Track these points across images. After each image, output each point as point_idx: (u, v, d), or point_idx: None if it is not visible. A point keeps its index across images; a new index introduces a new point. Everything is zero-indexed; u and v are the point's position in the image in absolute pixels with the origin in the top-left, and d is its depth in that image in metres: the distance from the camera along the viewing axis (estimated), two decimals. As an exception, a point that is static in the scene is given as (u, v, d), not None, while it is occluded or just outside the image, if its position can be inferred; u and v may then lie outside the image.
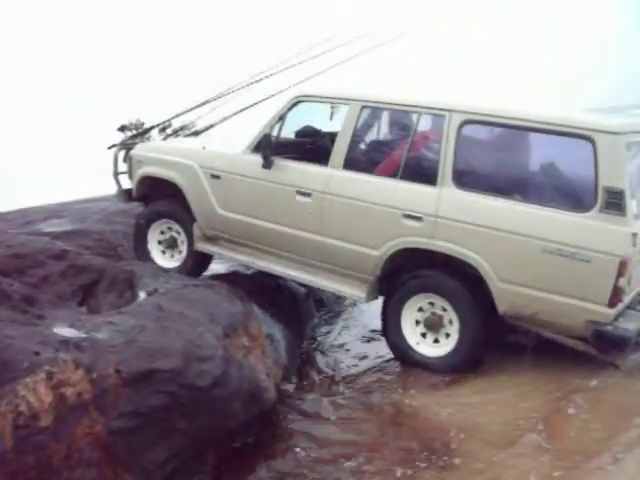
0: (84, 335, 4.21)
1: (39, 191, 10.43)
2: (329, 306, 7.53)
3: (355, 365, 6.05)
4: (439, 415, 4.87)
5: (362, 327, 6.97)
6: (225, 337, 4.72)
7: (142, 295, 5.26)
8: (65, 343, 3.99)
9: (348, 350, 6.42)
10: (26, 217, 8.57)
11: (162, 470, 4.04)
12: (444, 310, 5.53)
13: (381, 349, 6.13)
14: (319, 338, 6.74)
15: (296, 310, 6.85)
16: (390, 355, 5.93)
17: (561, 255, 4.93)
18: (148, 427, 3.98)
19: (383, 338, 5.96)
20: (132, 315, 4.68)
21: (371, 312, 6.85)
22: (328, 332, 6.90)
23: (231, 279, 6.63)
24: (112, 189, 7.53)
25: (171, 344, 4.31)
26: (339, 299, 7.58)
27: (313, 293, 7.39)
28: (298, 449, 4.65)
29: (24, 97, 18.55)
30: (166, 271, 6.64)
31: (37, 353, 3.75)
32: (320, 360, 6.20)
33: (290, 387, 5.58)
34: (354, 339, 6.68)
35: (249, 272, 7.27)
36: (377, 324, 6.15)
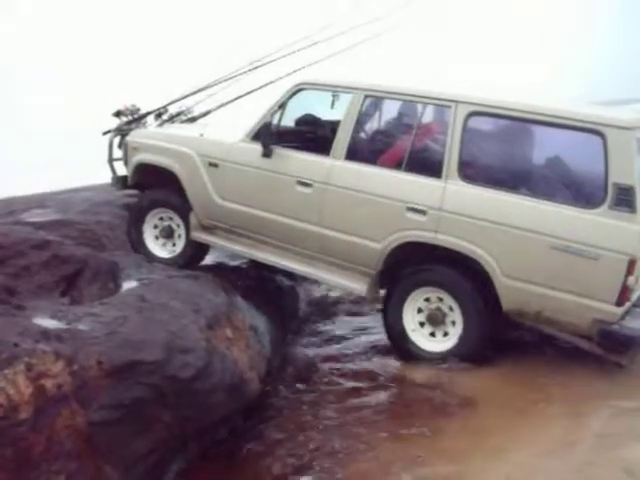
0: (65, 326, 4.16)
1: (25, 180, 10.36)
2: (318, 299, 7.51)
3: (344, 357, 6.00)
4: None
5: (353, 321, 6.93)
6: (208, 329, 4.69)
7: (131, 284, 5.21)
8: (45, 334, 3.93)
9: (335, 342, 6.37)
10: (9, 207, 8.49)
11: (144, 462, 4.01)
12: (442, 302, 5.47)
13: (370, 338, 6.12)
14: (306, 330, 6.71)
15: (281, 302, 6.80)
16: (380, 346, 5.90)
17: (568, 252, 4.87)
18: (130, 419, 3.94)
19: (373, 330, 5.93)
20: (115, 306, 4.64)
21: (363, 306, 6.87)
22: (315, 325, 6.86)
23: (216, 270, 6.57)
24: (99, 177, 7.43)
25: (154, 336, 4.27)
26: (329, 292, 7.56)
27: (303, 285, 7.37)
28: (281, 441, 4.61)
29: (13, 83, 18.41)
30: (160, 261, 6.63)
31: (16, 344, 3.69)
32: (304, 353, 6.16)
33: (274, 379, 5.54)
34: (343, 331, 6.63)
35: (234, 263, 7.23)
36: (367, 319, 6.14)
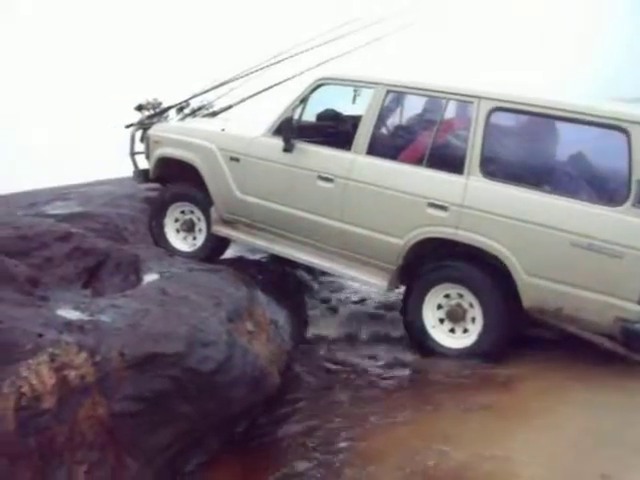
0: (88, 318, 4.20)
1: (48, 173, 10.43)
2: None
3: (362, 353, 5.99)
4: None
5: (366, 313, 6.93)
6: (229, 322, 4.70)
7: (153, 277, 5.23)
8: (69, 325, 3.98)
9: (354, 339, 6.36)
10: (31, 199, 8.55)
11: (164, 454, 4.03)
12: (462, 298, 5.44)
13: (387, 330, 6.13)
14: (324, 324, 6.70)
15: (301, 296, 6.81)
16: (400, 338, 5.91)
17: (591, 250, 4.82)
18: (151, 411, 3.96)
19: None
20: (136, 298, 4.67)
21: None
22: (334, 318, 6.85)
23: (236, 264, 6.59)
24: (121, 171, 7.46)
25: (175, 328, 4.29)
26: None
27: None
28: (300, 435, 4.62)
29: (36, 75, 18.49)
30: (181, 254, 6.66)
31: (40, 335, 3.74)
32: (324, 348, 6.16)
33: (293, 374, 5.54)
34: (359, 326, 6.62)
35: (254, 257, 7.25)
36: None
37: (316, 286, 7.42)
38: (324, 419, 4.76)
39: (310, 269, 7.25)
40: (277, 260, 7.08)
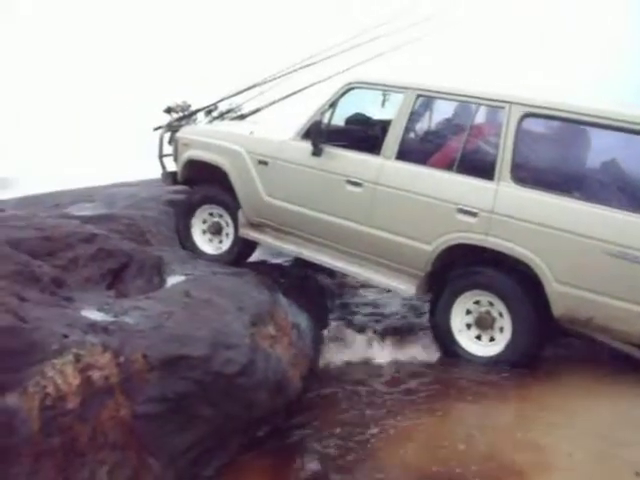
0: (112, 319, 4.22)
1: (73, 174, 10.50)
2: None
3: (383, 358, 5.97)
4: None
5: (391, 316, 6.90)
6: (252, 326, 4.71)
7: (176, 280, 5.25)
8: (93, 326, 4.00)
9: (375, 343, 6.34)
10: (56, 200, 8.61)
11: (186, 456, 4.03)
12: (492, 306, 5.40)
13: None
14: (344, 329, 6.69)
15: (323, 301, 6.81)
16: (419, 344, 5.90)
17: (623, 258, 4.76)
18: (173, 413, 3.98)
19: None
20: (160, 301, 4.69)
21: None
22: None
23: (259, 268, 6.60)
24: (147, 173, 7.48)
25: (199, 331, 4.31)
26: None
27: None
28: (323, 439, 4.61)
29: (63, 76, 18.61)
30: (206, 256, 6.69)
31: (65, 335, 3.76)
32: (344, 354, 6.14)
33: (315, 378, 5.53)
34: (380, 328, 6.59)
35: (277, 261, 7.25)
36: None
37: (337, 291, 7.40)
38: (344, 424, 4.76)
39: (332, 273, 7.23)
40: (299, 264, 7.08)
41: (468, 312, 5.54)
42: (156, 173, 7.42)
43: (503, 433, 4.29)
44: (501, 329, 5.41)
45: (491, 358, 5.38)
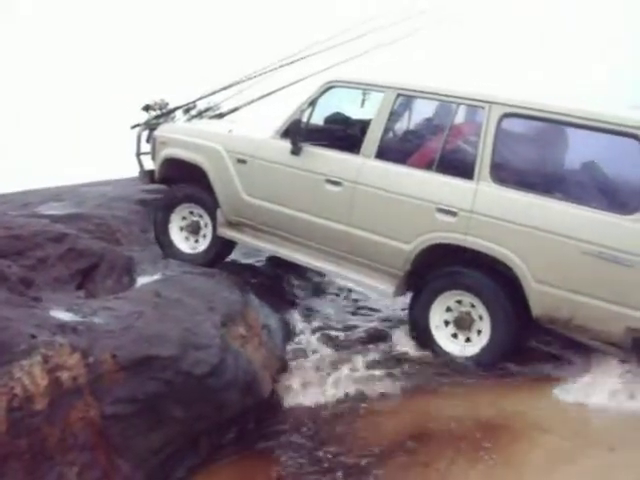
0: (81, 319, 4.19)
1: (41, 173, 10.40)
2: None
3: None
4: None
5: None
6: (223, 326, 4.70)
7: (147, 280, 5.22)
8: (62, 327, 3.97)
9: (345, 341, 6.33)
10: (25, 199, 8.53)
11: (156, 457, 4.02)
12: (474, 308, 5.40)
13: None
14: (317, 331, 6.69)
15: (294, 301, 6.81)
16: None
17: (602, 258, 4.77)
18: (143, 414, 3.96)
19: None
20: (130, 301, 4.66)
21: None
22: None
23: (230, 268, 6.58)
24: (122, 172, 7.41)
25: (168, 331, 4.29)
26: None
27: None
28: (293, 440, 4.61)
29: (38, 75, 18.44)
30: (181, 256, 6.64)
31: (33, 336, 3.73)
32: (316, 353, 6.12)
33: (285, 379, 5.52)
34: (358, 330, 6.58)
35: (249, 261, 7.23)
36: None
37: (309, 291, 7.40)
38: (317, 423, 4.77)
39: (303, 273, 7.24)
40: (270, 264, 7.07)
41: (448, 309, 5.54)
42: (129, 172, 7.35)
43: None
44: (479, 332, 5.42)
45: (466, 358, 5.36)
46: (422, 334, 5.62)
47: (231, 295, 5.20)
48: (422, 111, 6.00)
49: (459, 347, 5.48)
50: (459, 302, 5.49)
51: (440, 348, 5.51)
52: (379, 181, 5.65)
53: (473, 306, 5.42)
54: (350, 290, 7.27)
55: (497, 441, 4.24)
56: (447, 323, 5.55)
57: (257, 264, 7.27)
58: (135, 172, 7.31)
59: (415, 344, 5.69)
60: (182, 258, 6.61)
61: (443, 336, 5.53)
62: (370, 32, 6.91)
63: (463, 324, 5.48)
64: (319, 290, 7.47)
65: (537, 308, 5.11)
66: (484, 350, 5.34)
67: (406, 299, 5.98)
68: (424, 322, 5.58)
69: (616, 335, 4.91)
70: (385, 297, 6.19)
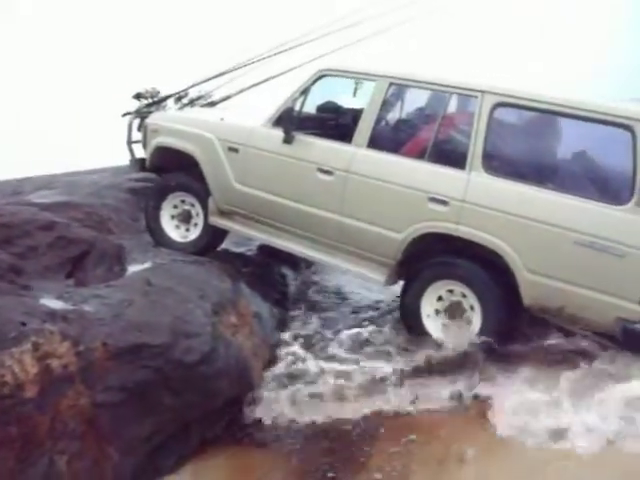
0: (71, 307, 4.18)
1: (31, 161, 10.36)
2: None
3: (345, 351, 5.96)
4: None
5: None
6: (214, 314, 4.70)
7: (137, 268, 5.21)
8: (52, 314, 3.95)
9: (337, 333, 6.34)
10: (15, 187, 8.50)
11: (146, 445, 4.03)
12: (465, 298, 5.38)
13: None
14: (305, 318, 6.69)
15: (285, 290, 6.80)
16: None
17: (593, 248, 4.77)
18: (133, 402, 3.96)
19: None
20: (120, 289, 4.65)
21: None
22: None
23: (221, 257, 6.57)
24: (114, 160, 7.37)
25: (159, 319, 4.29)
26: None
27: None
28: (282, 430, 4.63)
29: (29, 63, 18.33)
30: (171, 244, 6.60)
31: (24, 324, 3.71)
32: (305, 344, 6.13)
33: (276, 368, 5.53)
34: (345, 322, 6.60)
35: (239, 250, 7.22)
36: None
37: (300, 280, 7.40)
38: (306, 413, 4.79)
39: (294, 263, 7.24)
40: (261, 253, 7.06)
41: (440, 299, 5.52)
42: (119, 160, 7.32)
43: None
44: (469, 321, 5.41)
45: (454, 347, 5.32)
46: (413, 323, 5.62)
47: (222, 284, 5.20)
48: (414, 100, 5.98)
49: (450, 336, 5.42)
50: (450, 291, 5.48)
51: (431, 337, 5.49)
52: (371, 170, 5.63)
53: (465, 296, 5.41)
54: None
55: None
56: (438, 312, 5.54)
57: (248, 253, 7.25)
58: (126, 160, 7.29)
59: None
60: (173, 246, 6.59)
61: (433, 323, 5.52)
62: (363, 21, 6.89)
63: (454, 313, 5.46)
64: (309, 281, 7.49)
65: (528, 297, 5.11)
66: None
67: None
68: (415, 311, 5.57)
69: (606, 325, 4.91)
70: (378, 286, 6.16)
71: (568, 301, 4.97)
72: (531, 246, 5.03)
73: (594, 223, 4.81)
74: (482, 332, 5.29)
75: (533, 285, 5.06)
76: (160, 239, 6.73)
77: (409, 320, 5.66)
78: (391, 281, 5.75)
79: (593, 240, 4.78)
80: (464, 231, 5.23)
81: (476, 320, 5.34)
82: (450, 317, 5.50)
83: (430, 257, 5.53)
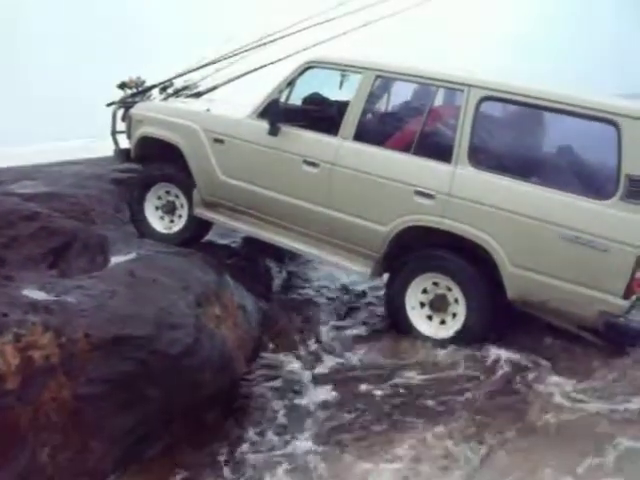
0: (54, 298, 4.13)
1: (14, 151, 10.26)
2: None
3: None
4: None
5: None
6: (198, 306, 4.67)
7: (121, 259, 5.17)
8: (34, 305, 3.91)
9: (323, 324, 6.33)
10: (-2, 177, 8.41)
11: (129, 437, 4.00)
12: (450, 291, 5.42)
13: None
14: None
15: (269, 283, 6.79)
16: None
17: (578, 243, 4.81)
18: (116, 393, 3.93)
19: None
20: (103, 280, 4.61)
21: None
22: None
23: (205, 248, 6.54)
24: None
25: (142, 310, 4.25)
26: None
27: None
28: (266, 426, 4.61)
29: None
30: (155, 235, 6.64)
31: (5, 314, 3.67)
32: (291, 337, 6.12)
33: (259, 360, 5.51)
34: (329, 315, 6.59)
35: (223, 242, 7.20)
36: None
37: (284, 273, 7.39)
38: (290, 406, 4.78)
39: (279, 255, 7.22)
40: (246, 245, 7.04)
41: (424, 291, 5.55)
42: (102, 151, 7.27)
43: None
44: (454, 315, 5.45)
45: (440, 341, 5.40)
46: (398, 316, 5.63)
47: (206, 275, 5.17)
48: (401, 93, 6.02)
49: (432, 328, 5.52)
50: (435, 284, 5.50)
51: (415, 330, 5.53)
52: (357, 163, 5.63)
53: (449, 289, 5.43)
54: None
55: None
56: (423, 305, 5.56)
57: (233, 245, 7.24)
58: (110, 151, 7.24)
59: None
60: (157, 238, 6.57)
61: (417, 316, 5.55)
62: (351, 12, 6.88)
63: (438, 306, 5.50)
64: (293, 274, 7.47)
65: (513, 291, 5.15)
66: (458, 333, 5.38)
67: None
68: (400, 304, 5.59)
69: (589, 319, 4.98)
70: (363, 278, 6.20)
71: (552, 295, 5.02)
72: (516, 240, 5.06)
73: (579, 218, 4.85)
74: (466, 325, 5.34)
75: (517, 279, 5.10)
76: (145, 231, 6.72)
77: (393, 313, 5.69)
78: (376, 274, 5.77)
79: (577, 234, 4.83)
80: (449, 225, 5.25)
81: (460, 313, 5.38)
82: (434, 310, 5.52)
83: (415, 250, 5.54)
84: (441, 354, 5.25)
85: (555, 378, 4.85)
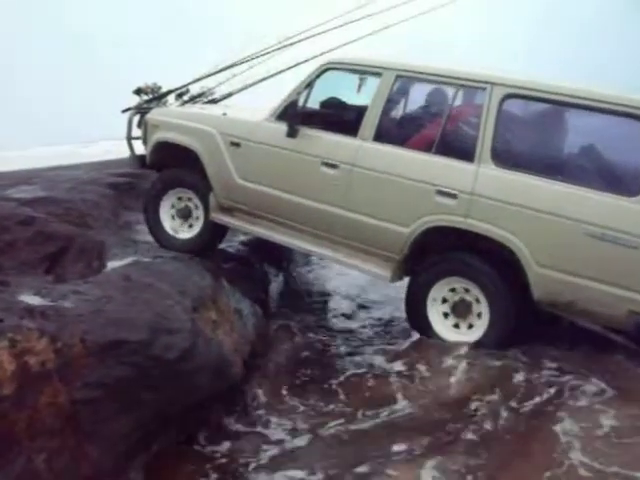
0: (50, 303, 4.13)
1: (11, 155, 10.26)
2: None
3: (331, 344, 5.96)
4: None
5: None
6: (194, 311, 4.66)
7: (117, 264, 5.18)
8: (30, 311, 3.90)
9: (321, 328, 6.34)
10: (-5, 182, 8.42)
11: (125, 442, 3.98)
12: (468, 293, 5.32)
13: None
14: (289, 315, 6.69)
15: (266, 287, 6.79)
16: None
17: (605, 240, 4.70)
18: (112, 398, 3.91)
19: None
20: (100, 285, 4.61)
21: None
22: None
23: (202, 253, 6.54)
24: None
25: (139, 315, 4.24)
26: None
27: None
28: (261, 430, 4.62)
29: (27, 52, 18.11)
30: (173, 242, 6.62)
31: (1, 320, 3.67)
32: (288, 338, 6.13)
33: (256, 364, 5.52)
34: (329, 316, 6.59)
35: (221, 246, 7.21)
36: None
37: (282, 277, 7.39)
38: (287, 410, 4.78)
39: (277, 259, 7.22)
40: (243, 250, 7.05)
41: (444, 301, 5.44)
42: (100, 156, 7.28)
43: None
44: (479, 314, 5.32)
45: (470, 345, 5.24)
46: (419, 320, 5.53)
47: (202, 280, 5.17)
48: (421, 92, 5.91)
49: (460, 335, 5.39)
50: (453, 290, 5.40)
51: (436, 334, 5.43)
52: (377, 163, 5.56)
53: (467, 290, 5.34)
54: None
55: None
56: (447, 315, 5.45)
57: (229, 249, 7.24)
58: (107, 156, 7.24)
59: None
60: (174, 244, 6.55)
61: (443, 327, 5.44)
62: (368, 16, 6.86)
63: (461, 312, 5.39)
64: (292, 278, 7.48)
65: (539, 292, 5.03)
66: (486, 334, 5.25)
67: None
68: (421, 308, 5.49)
69: (618, 319, 4.85)
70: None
71: (579, 294, 4.90)
72: (541, 239, 4.96)
73: (605, 215, 4.75)
74: (490, 330, 5.23)
75: (543, 279, 4.98)
76: (161, 237, 6.68)
77: (414, 317, 5.58)
78: (397, 277, 5.65)
79: (604, 232, 4.72)
80: (472, 224, 5.16)
81: (484, 318, 5.27)
82: (457, 315, 5.42)
83: (437, 252, 5.44)
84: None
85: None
